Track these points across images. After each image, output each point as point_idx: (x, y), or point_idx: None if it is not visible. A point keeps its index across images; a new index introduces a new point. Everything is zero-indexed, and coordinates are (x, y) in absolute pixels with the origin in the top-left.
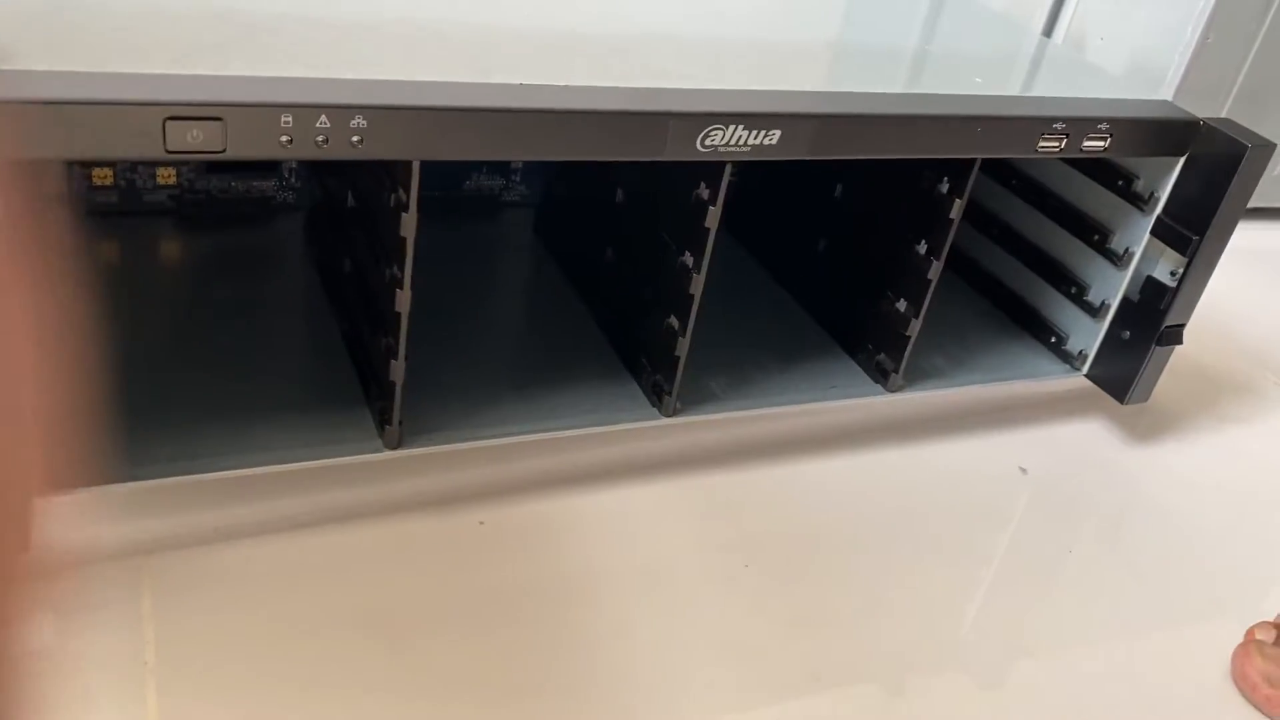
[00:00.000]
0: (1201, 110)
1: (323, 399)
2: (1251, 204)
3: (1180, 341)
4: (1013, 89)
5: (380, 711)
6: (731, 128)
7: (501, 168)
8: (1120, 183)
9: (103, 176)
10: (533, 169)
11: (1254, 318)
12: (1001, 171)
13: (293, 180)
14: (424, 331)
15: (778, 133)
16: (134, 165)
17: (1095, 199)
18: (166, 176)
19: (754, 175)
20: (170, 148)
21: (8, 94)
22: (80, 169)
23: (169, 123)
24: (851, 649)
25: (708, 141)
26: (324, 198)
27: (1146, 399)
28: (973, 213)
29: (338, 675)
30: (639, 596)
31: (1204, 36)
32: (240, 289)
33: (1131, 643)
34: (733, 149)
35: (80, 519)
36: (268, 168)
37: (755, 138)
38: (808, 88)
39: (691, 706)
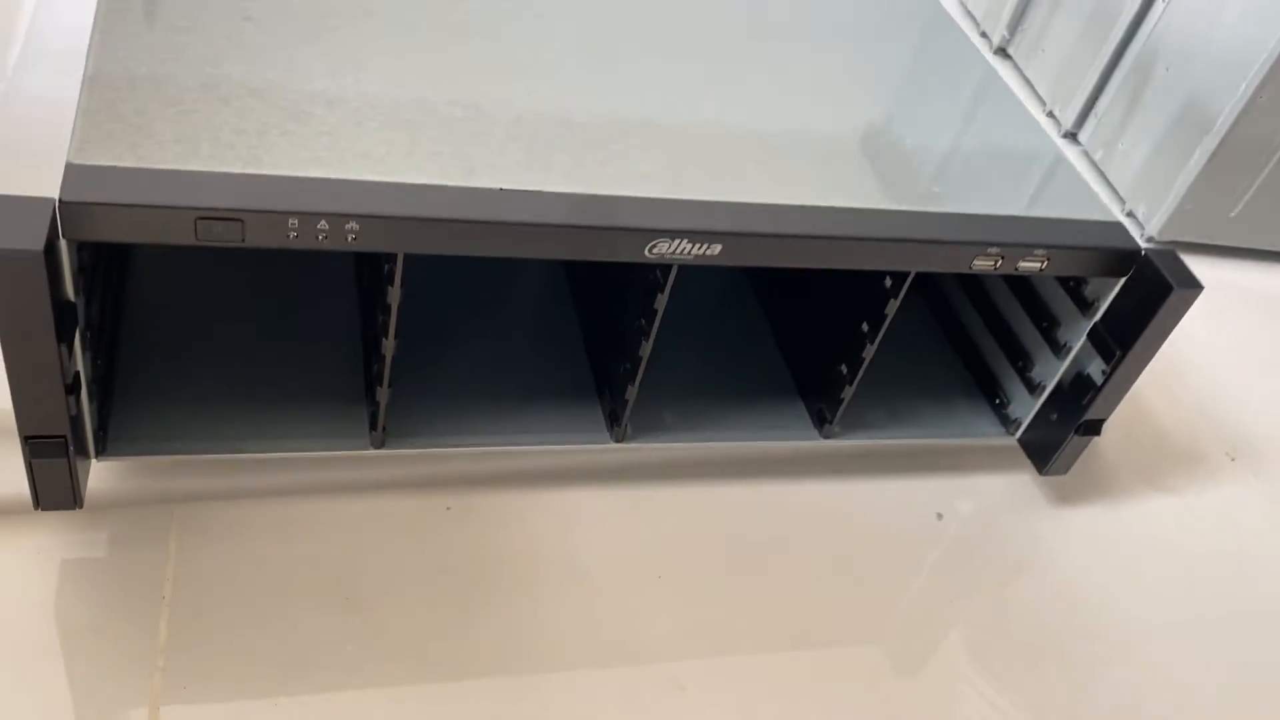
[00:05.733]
0: (1244, 167)
1: (331, 396)
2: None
3: (1099, 434)
4: (960, 204)
5: (329, 659)
6: (676, 241)
7: None
8: (1072, 283)
9: None
10: None
11: (1228, 384)
12: None
13: None
14: (426, 335)
15: (719, 246)
16: None
17: (1051, 290)
18: None
19: None
20: (200, 238)
21: (68, 194)
22: None
23: (199, 221)
24: (716, 663)
25: (655, 250)
26: None
27: (1065, 473)
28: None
29: (305, 623)
30: (560, 586)
31: (1257, 94)
32: (283, 280)
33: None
34: (677, 257)
35: (124, 475)
36: None
37: (698, 249)
38: (757, 198)
39: (572, 689)
